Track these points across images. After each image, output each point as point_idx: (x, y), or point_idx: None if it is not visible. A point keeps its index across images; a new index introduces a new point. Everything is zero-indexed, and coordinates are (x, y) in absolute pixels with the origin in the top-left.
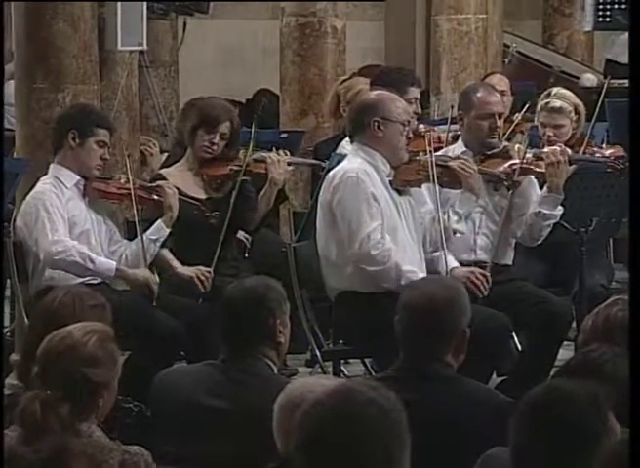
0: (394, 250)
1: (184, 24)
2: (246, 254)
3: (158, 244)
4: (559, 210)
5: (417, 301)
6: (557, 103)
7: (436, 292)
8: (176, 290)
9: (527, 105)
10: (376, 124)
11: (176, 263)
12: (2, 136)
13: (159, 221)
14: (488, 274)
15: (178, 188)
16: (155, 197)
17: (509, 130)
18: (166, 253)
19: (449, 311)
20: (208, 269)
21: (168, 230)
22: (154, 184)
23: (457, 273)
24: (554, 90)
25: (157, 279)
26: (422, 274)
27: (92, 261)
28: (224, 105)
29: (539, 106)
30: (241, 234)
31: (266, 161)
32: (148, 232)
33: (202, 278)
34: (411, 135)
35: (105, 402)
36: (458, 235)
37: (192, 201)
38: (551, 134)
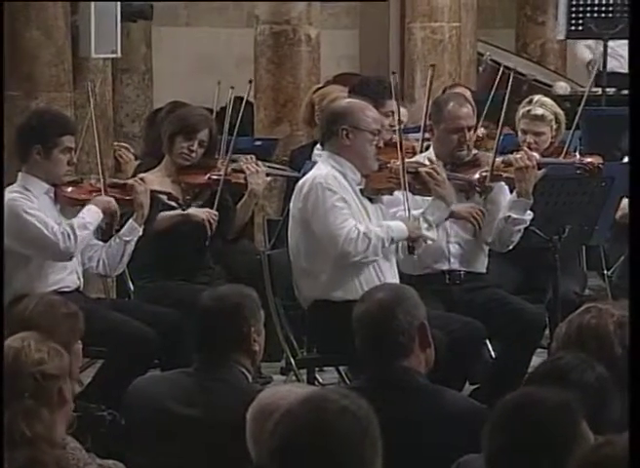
0: (364, 227)
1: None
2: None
3: (132, 244)
4: (529, 214)
5: (368, 311)
6: (539, 111)
7: (383, 296)
8: (149, 297)
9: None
10: (344, 132)
11: (178, 211)
12: (2, 137)
13: (131, 221)
14: (484, 211)
15: (155, 191)
16: (127, 197)
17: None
18: (164, 212)
19: (400, 310)
20: (214, 211)
21: (141, 229)
22: (124, 181)
23: (457, 208)
24: (535, 97)
25: (131, 286)
26: (395, 280)
27: (85, 228)
28: (203, 113)
29: (519, 113)
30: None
31: (245, 172)
32: (121, 233)
33: (211, 220)
34: (381, 144)
35: (68, 398)
36: (429, 242)
37: (172, 202)
38: (532, 141)
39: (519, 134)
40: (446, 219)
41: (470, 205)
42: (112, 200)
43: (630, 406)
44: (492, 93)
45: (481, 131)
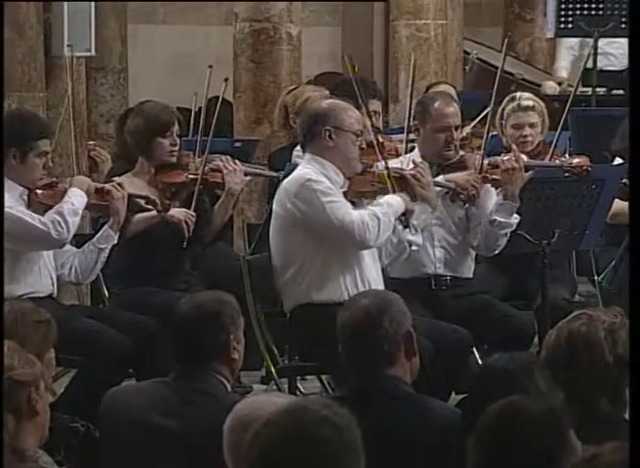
0: (369, 212)
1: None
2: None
3: (107, 251)
4: (515, 218)
5: (352, 318)
6: (529, 102)
7: (368, 304)
8: (125, 304)
9: (483, 113)
10: (327, 133)
11: (154, 212)
12: (2, 134)
13: (106, 228)
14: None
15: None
16: (104, 202)
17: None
18: (140, 214)
19: (385, 318)
20: (192, 212)
21: (116, 236)
22: (101, 185)
23: (453, 177)
24: (517, 94)
25: (107, 293)
26: (379, 283)
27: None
28: (168, 107)
29: (505, 111)
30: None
31: (223, 171)
32: (94, 240)
33: (189, 221)
34: (364, 145)
35: (40, 409)
36: (414, 247)
37: (150, 206)
38: (527, 133)
39: (508, 131)
40: (446, 194)
41: (467, 172)
42: (88, 180)
43: (630, 406)
44: (492, 98)
45: (466, 130)
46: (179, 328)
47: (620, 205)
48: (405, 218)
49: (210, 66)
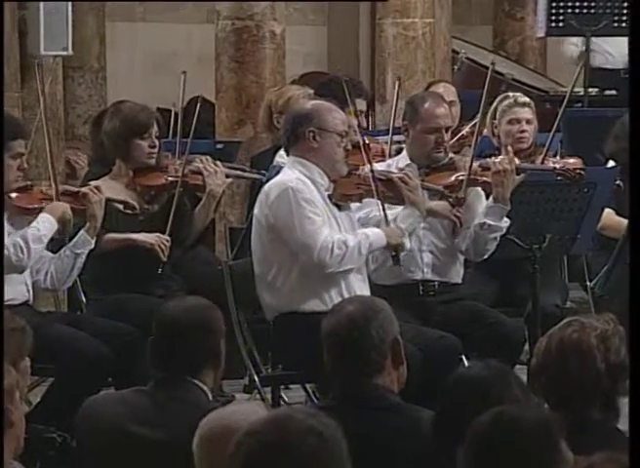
0: (340, 235)
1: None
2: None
3: (83, 257)
4: (505, 222)
5: (338, 325)
6: (526, 99)
7: (354, 311)
8: (103, 311)
9: (476, 119)
10: (311, 134)
11: (128, 234)
12: (2, 136)
13: (82, 232)
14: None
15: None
16: (81, 206)
17: (453, 141)
18: (110, 234)
19: (372, 325)
20: (167, 237)
21: (93, 241)
22: (77, 189)
23: (435, 206)
24: (510, 93)
25: (84, 300)
26: (365, 290)
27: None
28: (147, 107)
29: (502, 107)
30: None
31: (203, 172)
32: (71, 245)
33: (162, 246)
34: (349, 147)
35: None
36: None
37: (128, 211)
38: (525, 128)
39: (503, 128)
40: (425, 218)
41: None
42: (67, 207)
43: (630, 406)
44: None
45: (465, 129)
46: (159, 334)
47: (614, 219)
48: (395, 254)
49: (183, 72)
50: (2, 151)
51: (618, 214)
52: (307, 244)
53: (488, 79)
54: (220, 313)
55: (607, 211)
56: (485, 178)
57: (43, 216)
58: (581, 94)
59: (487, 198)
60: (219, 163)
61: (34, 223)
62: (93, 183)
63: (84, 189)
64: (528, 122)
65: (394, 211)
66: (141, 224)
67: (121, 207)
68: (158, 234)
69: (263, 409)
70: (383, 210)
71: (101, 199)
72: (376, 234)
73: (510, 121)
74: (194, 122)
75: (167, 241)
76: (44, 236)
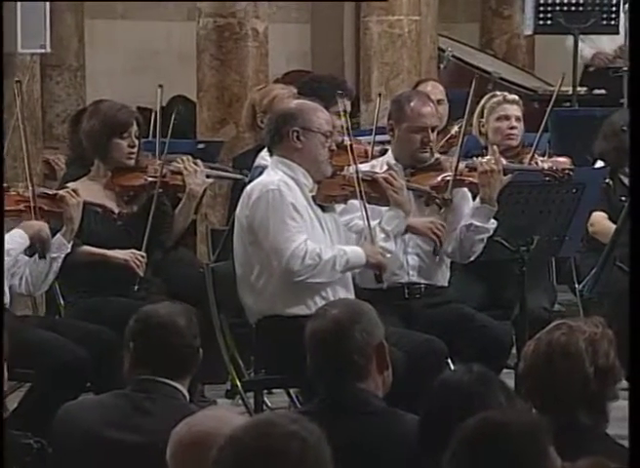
0: (318, 246)
1: None
2: None
3: (59, 261)
4: (492, 223)
5: (322, 328)
6: (514, 96)
7: (339, 314)
8: (82, 314)
9: (465, 118)
10: (295, 134)
11: (103, 250)
12: (2, 135)
13: (59, 236)
14: (445, 224)
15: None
16: (58, 209)
17: (442, 142)
18: (85, 246)
19: (356, 328)
20: (141, 253)
21: (69, 245)
22: (55, 192)
23: (415, 223)
24: (498, 92)
25: (62, 303)
26: (349, 294)
27: None
28: (126, 106)
29: (490, 104)
30: None
31: (183, 172)
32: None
33: (137, 262)
34: (334, 147)
35: None
36: (387, 255)
37: (106, 215)
38: (515, 125)
39: (491, 125)
40: (404, 233)
41: (429, 219)
42: (45, 226)
43: (630, 407)
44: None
45: (454, 129)
46: (137, 336)
47: (606, 225)
48: (378, 275)
49: (160, 86)
50: (2, 151)
51: (608, 216)
52: (279, 249)
53: (473, 86)
54: (195, 313)
55: (598, 214)
56: (472, 179)
57: (15, 232)
58: (570, 93)
59: (474, 199)
60: (199, 162)
61: (6, 236)
62: (70, 185)
63: (61, 192)
64: (517, 119)
65: (375, 222)
66: (121, 226)
67: (99, 210)
68: (133, 250)
69: (236, 414)
70: (366, 213)
71: (79, 202)
72: (354, 251)
73: (499, 118)
74: (172, 121)
75: (142, 256)
76: (12, 250)
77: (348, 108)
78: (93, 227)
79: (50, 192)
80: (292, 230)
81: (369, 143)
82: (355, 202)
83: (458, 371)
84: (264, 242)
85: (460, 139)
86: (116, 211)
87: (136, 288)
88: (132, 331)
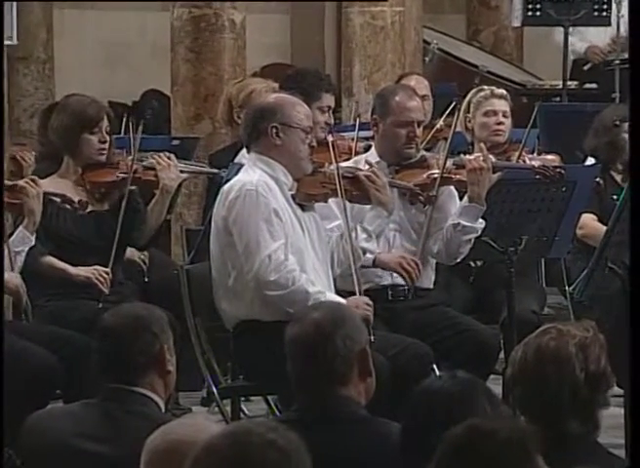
0: (298, 270)
1: None
2: (145, 278)
3: (23, 255)
4: (480, 223)
5: (302, 333)
6: (502, 91)
7: (321, 318)
8: (51, 318)
9: (451, 106)
10: (274, 130)
11: (65, 265)
12: (2, 135)
13: (21, 229)
14: (419, 261)
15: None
16: (17, 200)
17: (429, 137)
18: (50, 258)
19: (338, 333)
20: (105, 269)
21: (33, 238)
22: (14, 182)
23: (384, 258)
24: (485, 87)
25: (30, 305)
26: (331, 295)
27: None
28: (96, 101)
29: (477, 98)
30: (136, 255)
31: (156, 167)
32: (9, 242)
33: (101, 279)
34: (314, 143)
35: None
36: (368, 255)
37: (66, 205)
38: (503, 120)
39: (478, 120)
40: (373, 267)
41: (400, 254)
42: (22, 286)
43: (631, 407)
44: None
45: (439, 123)
46: (106, 340)
47: (596, 228)
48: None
49: (131, 110)
50: (2, 150)
51: (599, 217)
52: (250, 253)
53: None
54: (164, 316)
55: (587, 216)
56: (459, 177)
57: None
58: (560, 87)
59: (460, 198)
60: (172, 156)
61: None
62: (29, 176)
63: (20, 182)
64: (504, 115)
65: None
66: (91, 224)
67: (59, 200)
68: (96, 267)
69: (210, 422)
70: (346, 213)
71: (39, 192)
72: (335, 299)
73: (486, 113)
74: (144, 116)
75: (106, 273)
76: None
77: (332, 104)
78: (62, 224)
79: (9, 183)
80: (266, 235)
81: (352, 139)
82: (334, 205)
83: (442, 379)
84: (238, 244)
85: (450, 136)
86: (76, 199)
87: (99, 305)
88: (97, 336)
